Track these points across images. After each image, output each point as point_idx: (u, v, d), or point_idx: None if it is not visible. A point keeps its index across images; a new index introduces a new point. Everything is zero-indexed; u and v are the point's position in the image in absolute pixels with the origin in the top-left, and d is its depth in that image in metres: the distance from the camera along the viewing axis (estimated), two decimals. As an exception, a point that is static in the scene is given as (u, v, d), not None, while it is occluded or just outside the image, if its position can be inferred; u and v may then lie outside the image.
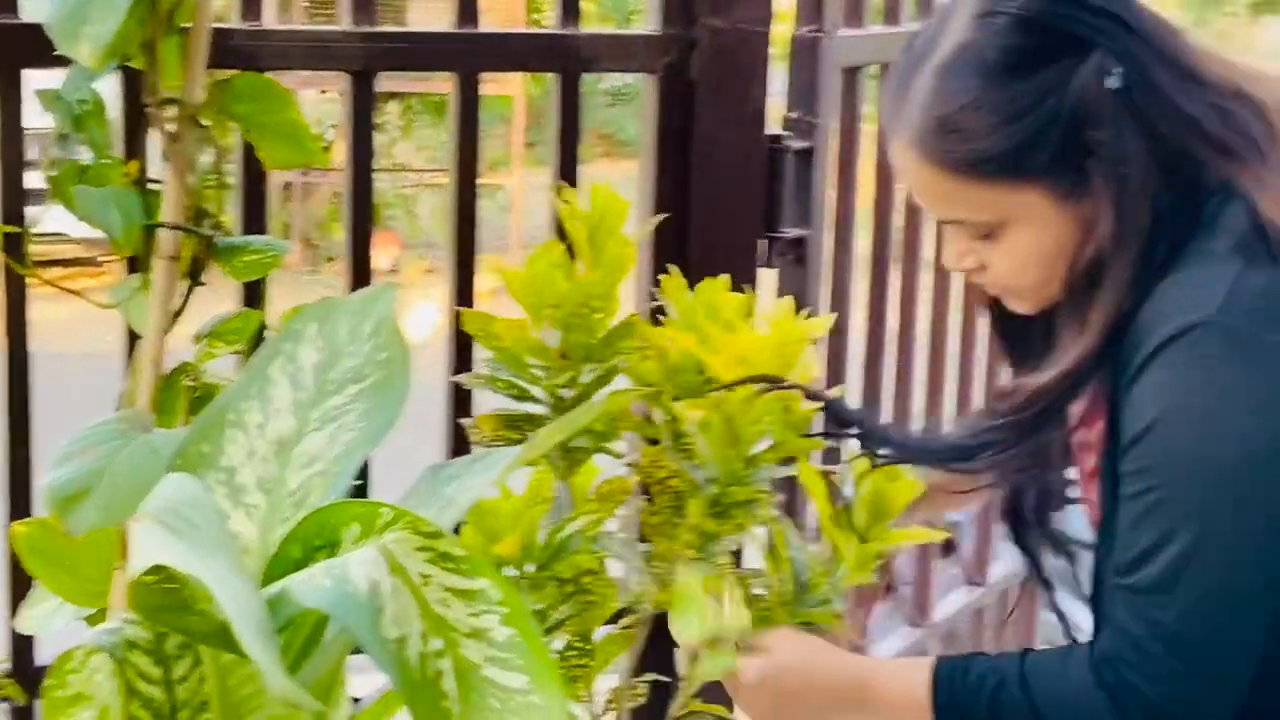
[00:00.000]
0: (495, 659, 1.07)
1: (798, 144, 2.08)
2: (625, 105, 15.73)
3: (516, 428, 1.70)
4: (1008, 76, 1.36)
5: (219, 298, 1.72)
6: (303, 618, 1.14)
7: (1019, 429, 1.45)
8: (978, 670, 1.47)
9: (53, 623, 1.49)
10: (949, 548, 2.66)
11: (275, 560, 1.13)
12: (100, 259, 8.24)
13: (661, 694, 2.09)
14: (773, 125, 2.06)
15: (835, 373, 2.38)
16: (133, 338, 1.67)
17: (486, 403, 1.79)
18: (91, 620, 1.51)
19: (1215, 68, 1.38)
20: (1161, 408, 1.31)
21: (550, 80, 2.00)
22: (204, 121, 1.44)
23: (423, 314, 7.74)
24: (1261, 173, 1.34)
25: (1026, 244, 1.40)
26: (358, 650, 1.22)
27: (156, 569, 1.00)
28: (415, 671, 1.05)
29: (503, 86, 10.80)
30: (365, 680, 1.71)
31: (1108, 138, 1.35)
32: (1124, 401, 1.36)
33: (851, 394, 2.48)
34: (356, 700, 1.46)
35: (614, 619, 1.82)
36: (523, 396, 1.71)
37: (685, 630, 1.63)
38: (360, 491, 1.75)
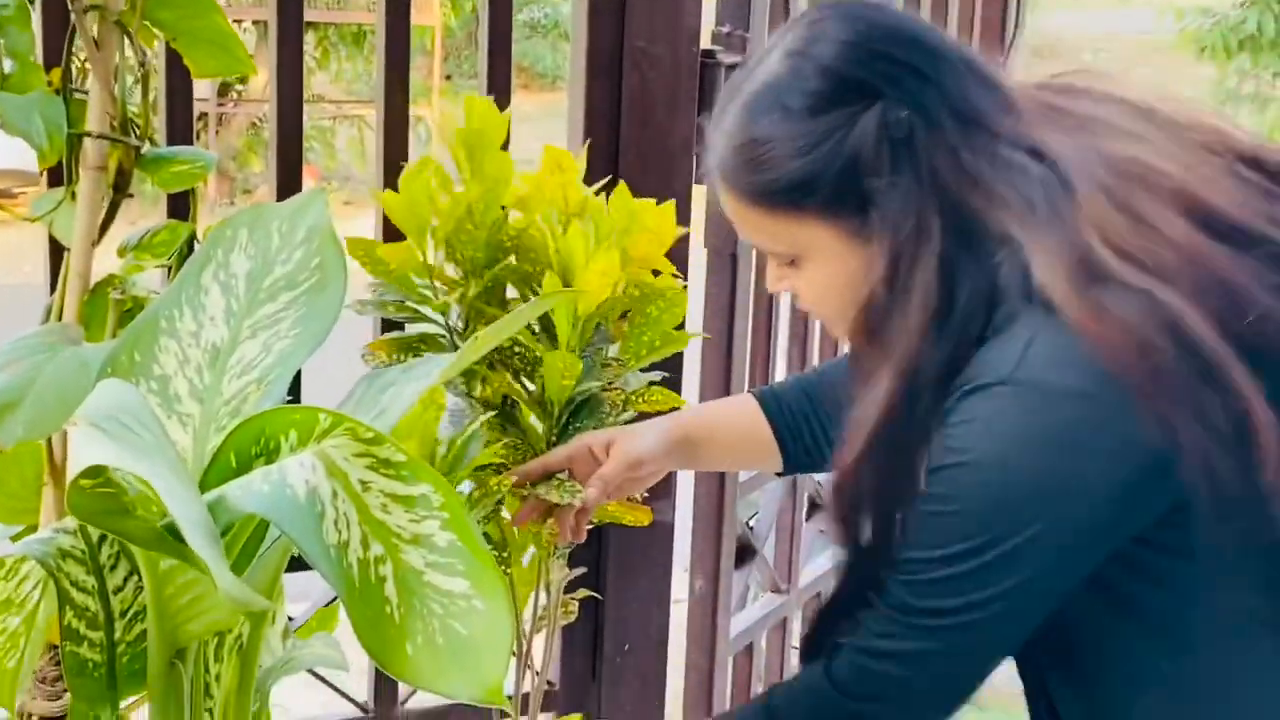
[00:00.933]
0: (437, 564, 1.06)
1: (729, 59, 2.07)
2: (543, 38, 15.63)
3: (414, 350, 1.68)
4: (803, 115, 1.42)
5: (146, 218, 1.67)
6: (241, 526, 1.13)
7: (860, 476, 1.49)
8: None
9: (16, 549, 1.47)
10: (814, 506, 2.61)
11: (212, 469, 1.11)
12: (16, 190, 8.09)
13: (596, 610, 2.10)
14: (704, 40, 2.05)
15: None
16: (56, 256, 1.63)
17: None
18: (18, 538, 1.48)
19: (1021, 125, 1.42)
20: (968, 448, 1.35)
21: (480, 4, 1.97)
22: (128, 27, 1.40)
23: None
24: (1038, 230, 1.37)
25: (822, 277, 1.46)
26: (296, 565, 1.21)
27: (94, 473, 0.98)
28: (356, 578, 1.04)
29: (422, 15, 10.67)
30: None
31: (884, 183, 1.40)
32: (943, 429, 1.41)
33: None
34: (290, 619, 1.46)
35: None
36: (415, 318, 1.70)
37: None
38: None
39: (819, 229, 1.44)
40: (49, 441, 1.44)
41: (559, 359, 1.61)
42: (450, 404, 1.70)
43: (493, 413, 1.73)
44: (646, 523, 1.82)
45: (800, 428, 1.73)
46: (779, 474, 1.86)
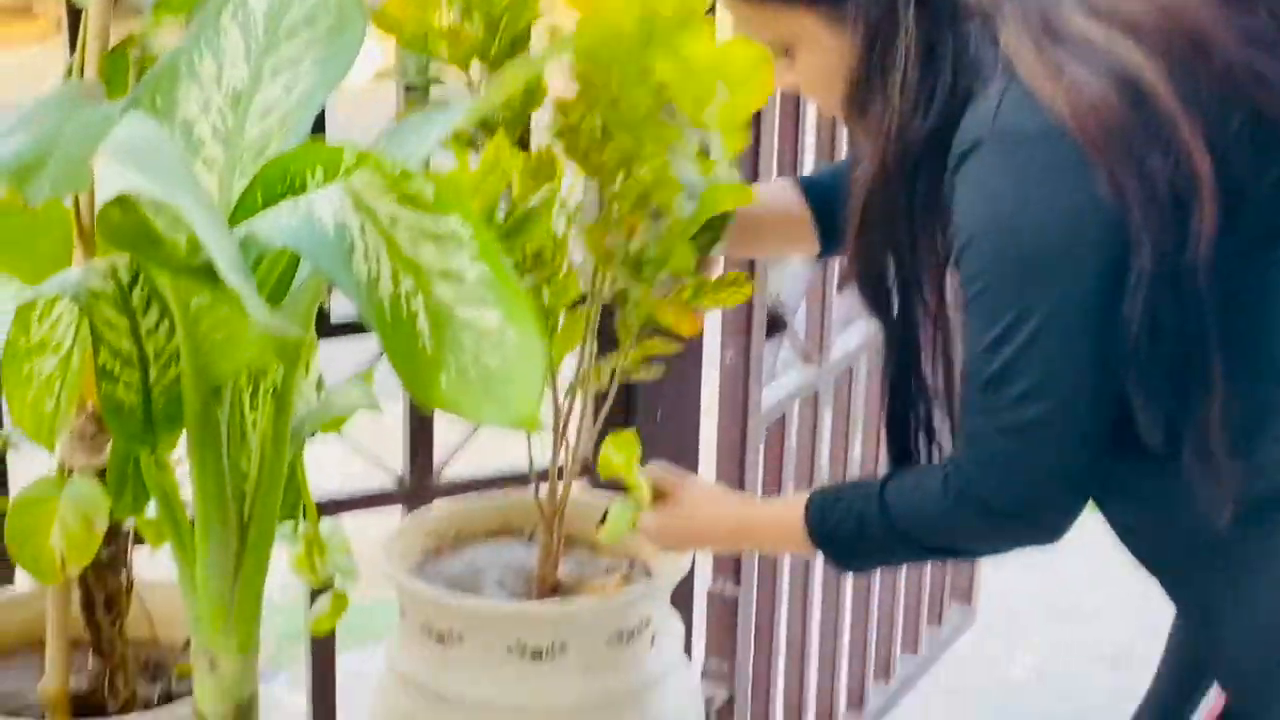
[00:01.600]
0: (468, 298, 1.06)
1: None
2: None
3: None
4: None
5: None
6: (270, 266, 1.13)
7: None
8: (843, 504, 1.57)
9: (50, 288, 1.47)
10: (845, 278, 2.59)
11: (239, 209, 1.11)
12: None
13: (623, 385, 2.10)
14: None
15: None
16: (75, 19, 1.61)
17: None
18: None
19: None
20: (971, 221, 1.39)
21: None
22: None
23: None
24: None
25: (812, 64, 1.51)
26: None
27: (124, 204, 0.98)
28: (388, 312, 1.04)
29: None
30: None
31: None
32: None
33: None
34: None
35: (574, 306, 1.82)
36: (436, 80, 1.69)
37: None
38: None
39: (803, 17, 1.49)
40: (76, 202, 1.44)
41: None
42: None
43: (547, 186, 1.71)
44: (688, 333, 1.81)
45: (837, 210, 1.71)
46: (818, 256, 1.87)
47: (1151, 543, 1.56)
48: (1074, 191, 1.33)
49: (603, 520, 1.75)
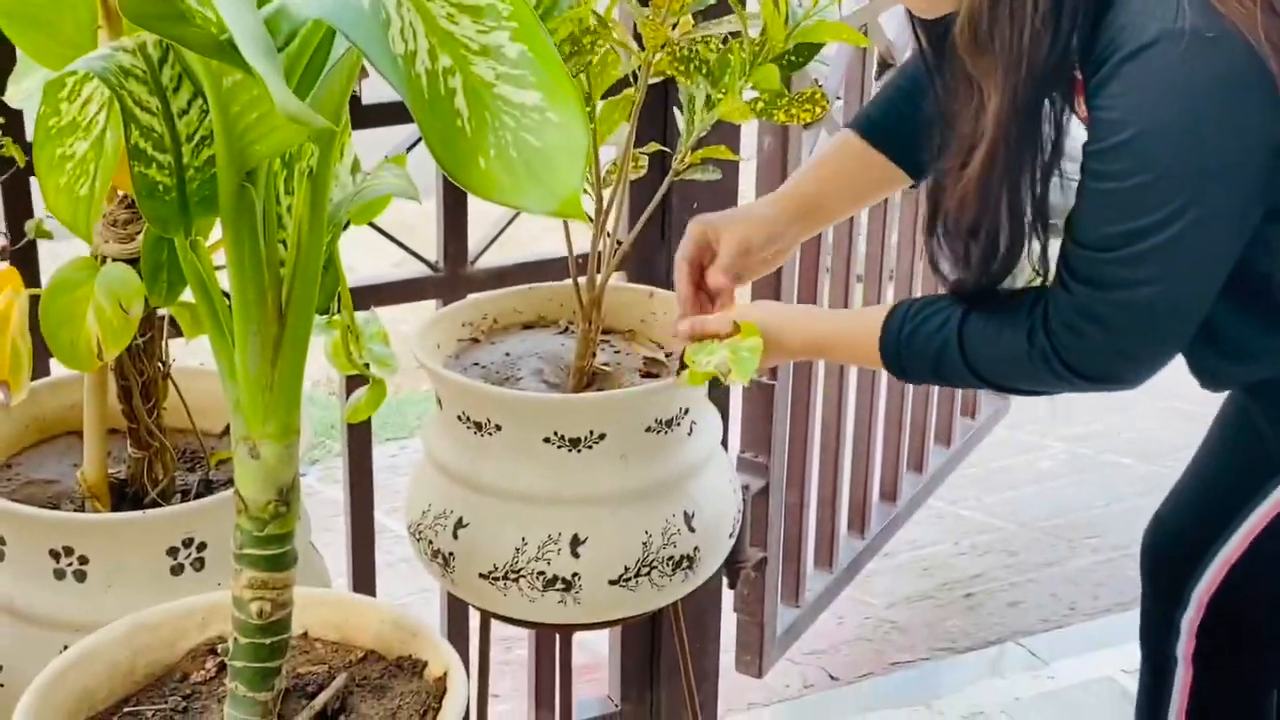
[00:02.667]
0: (507, 76, 1.03)
1: None
2: None
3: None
4: None
5: None
6: (304, 42, 1.09)
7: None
8: (924, 332, 1.55)
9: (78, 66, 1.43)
10: (883, 64, 2.51)
11: (269, -15, 1.06)
12: None
13: (662, 165, 2.07)
14: None
15: None
16: None
17: None
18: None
19: None
20: (1137, 122, 1.34)
21: None
22: None
23: None
24: None
25: None
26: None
27: (146, -24, 0.94)
28: (425, 89, 1.01)
29: None
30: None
31: None
32: (1095, 102, 1.39)
33: None
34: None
35: (616, 90, 1.77)
36: None
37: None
38: None
39: None
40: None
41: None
42: None
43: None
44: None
45: (910, 142, 1.69)
46: (912, 187, 1.85)
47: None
48: (1253, 103, 1.32)
49: (681, 367, 1.69)
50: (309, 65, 1.10)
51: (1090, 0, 1.36)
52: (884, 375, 2.75)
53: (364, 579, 2.08)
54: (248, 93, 1.06)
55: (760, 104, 1.71)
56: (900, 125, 1.72)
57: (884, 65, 2.51)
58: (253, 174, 1.12)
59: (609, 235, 1.78)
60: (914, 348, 1.56)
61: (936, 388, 2.96)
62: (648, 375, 1.82)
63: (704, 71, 1.68)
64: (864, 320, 1.64)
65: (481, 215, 1.96)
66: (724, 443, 2.23)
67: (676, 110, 1.73)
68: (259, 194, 1.12)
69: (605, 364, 1.83)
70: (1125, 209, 1.38)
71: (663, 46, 1.66)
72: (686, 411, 1.73)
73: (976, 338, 1.52)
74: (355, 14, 0.98)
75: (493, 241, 2.05)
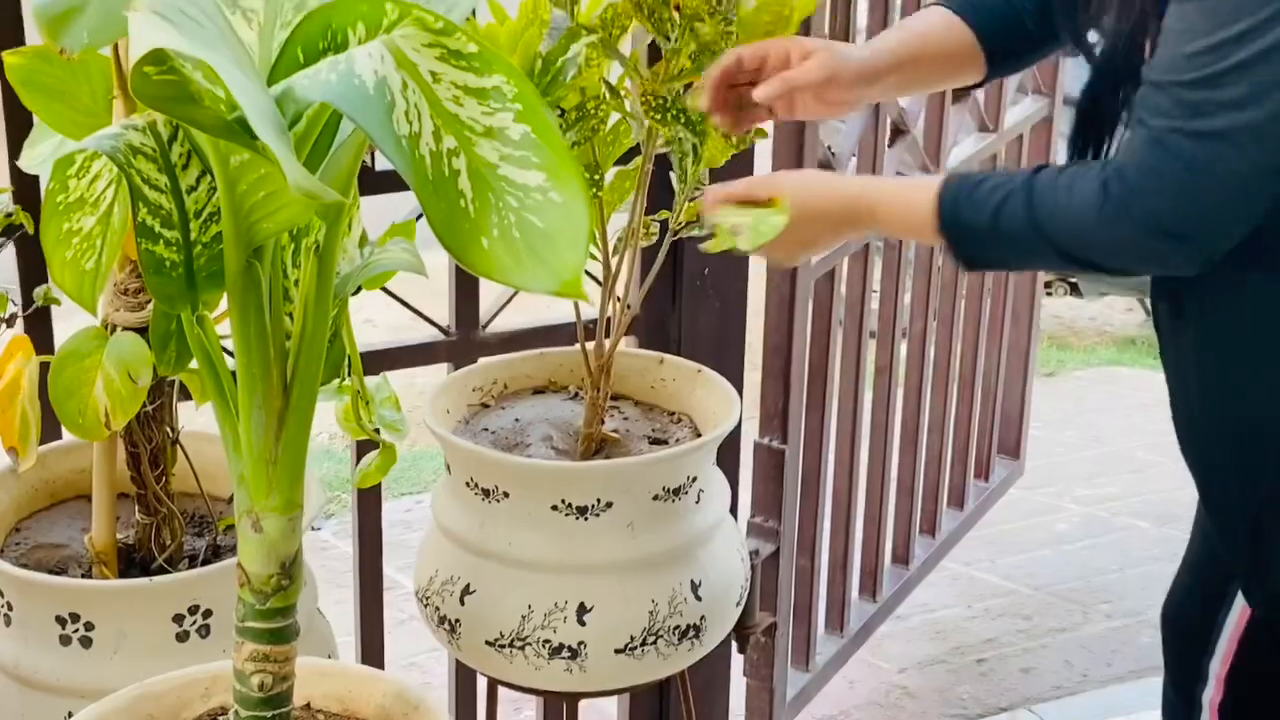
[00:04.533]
0: (511, 158, 1.03)
1: None
2: None
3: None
4: None
5: None
6: (311, 122, 1.10)
7: None
8: (987, 185, 1.44)
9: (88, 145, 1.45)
10: (961, 90, 2.56)
11: (279, 65, 1.07)
12: None
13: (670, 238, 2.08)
14: None
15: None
16: None
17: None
18: (92, 155, 1.46)
19: None
20: None
21: None
22: None
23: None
24: None
25: None
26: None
27: (158, 59, 0.95)
28: (429, 171, 1.02)
29: None
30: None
31: None
32: None
33: None
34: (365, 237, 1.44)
35: (626, 159, 1.79)
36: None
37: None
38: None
39: None
40: (116, 51, 1.41)
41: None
42: (555, 19, 1.66)
43: (595, 35, 1.68)
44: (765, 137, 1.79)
45: (1004, 32, 1.64)
46: (974, 86, 1.75)
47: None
48: None
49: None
50: (316, 143, 1.11)
51: None
52: (896, 440, 2.75)
53: (373, 641, 2.08)
54: (255, 171, 1.07)
55: (738, 140, 1.72)
56: (997, 7, 1.65)
57: (897, 132, 2.53)
58: (259, 250, 1.13)
59: (619, 301, 1.79)
60: (975, 199, 1.44)
61: (950, 447, 2.95)
62: (657, 442, 1.82)
63: (681, 120, 1.68)
64: (918, 180, 1.54)
65: (493, 280, 1.98)
66: (734, 508, 2.24)
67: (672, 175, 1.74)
68: (265, 270, 1.13)
69: (614, 431, 1.83)
70: (1209, 18, 1.28)
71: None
72: (694, 480, 1.74)
73: (1046, 188, 1.40)
74: (360, 97, 0.99)
75: (504, 306, 2.06)
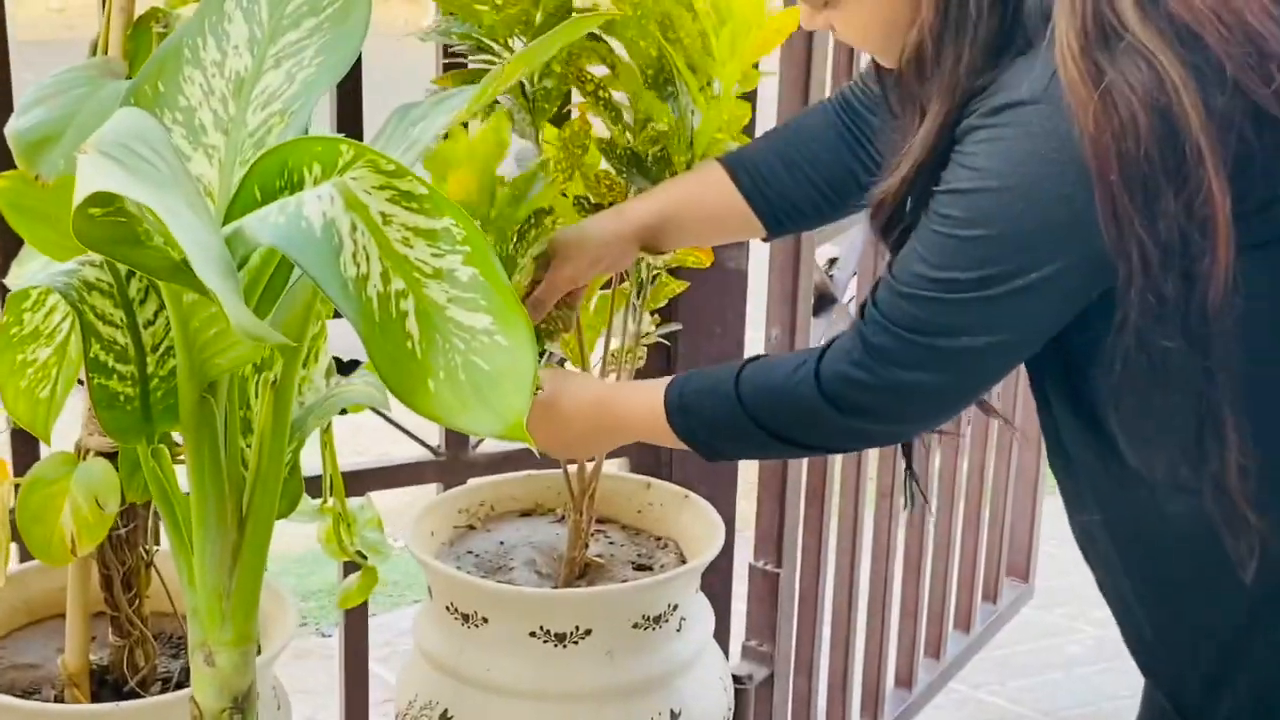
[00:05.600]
0: (459, 299, 1.04)
1: None
2: None
3: (477, 81, 1.66)
4: None
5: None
6: (265, 260, 1.11)
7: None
8: (708, 376, 1.49)
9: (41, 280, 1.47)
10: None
11: (236, 202, 1.09)
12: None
13: (663, 360, 2.08)
14: None
15: None
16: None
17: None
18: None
19: None
20: (993, 169, 1.28)
21: None
22: None
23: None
24: None
25: (861, 15, 1.42)
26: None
27: (104, 201, 0.96)
28: (376, 312, 1.02)
29: None
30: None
31: None
32: (959, 145, 1.33)
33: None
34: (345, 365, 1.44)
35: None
36: (480, 47, 1.67)
37: None
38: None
39: None
40: (96, 179, 1.43)
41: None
42: (516, 147, 1.67)
43: (557, 156, 1.70)
44: (708, 264, 1.79)
45: (776, 193, 1.67)
46: (765, 239, 1.78)
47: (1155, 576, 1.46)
48: (1080, 207, 1.25)
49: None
50: (271, 281, 1.12)
51: (1009, 52, 1.32)
52: (899, 562, 2.73)
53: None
54: (206, 309, 1.08)
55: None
56: (769, 169, 1.67)
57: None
58: (214, 385, 1.13)
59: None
60: (700, 384, 1.49)
61: (956, 567, 2.92)
62: (641, 568, 1.81)
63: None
64: (653, 381, 1.58)
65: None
66: (727, 631, 2.22)
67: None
68: (219, 404, 1.14)
69: (598, 555, 1.83)
70: (950, 256, 1.30)
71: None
72: (675, 608, 1.72)
73: (752, 370, 1.45)
74: (306, 240, 0.99)
75: (495, 426, 2.06)
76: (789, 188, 1.66)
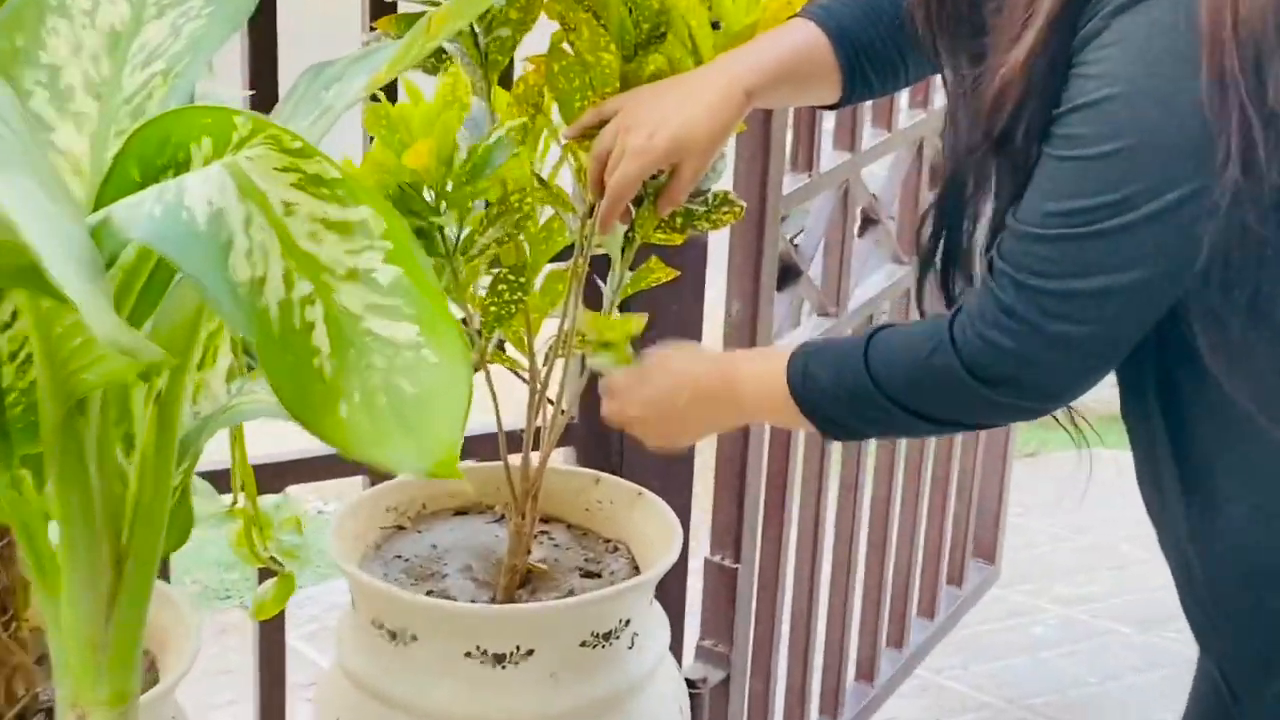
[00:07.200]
0: (379, 307, 0.86)
1: None
2: None
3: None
4: None
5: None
6: (146, 252, 0.92)
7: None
8: (834, 347, 1.39)
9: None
10: (867, 221, 2.33)
11: (110, 183, 0.89)
12: None
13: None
14: None
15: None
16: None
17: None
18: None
19: None
20: (1120, 74, 1.17)
21: None
22: None
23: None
24: None
25: None
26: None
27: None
28: (275, 323, 0.84)
29: None
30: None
31: None
32: (1077, 58, 1.21)
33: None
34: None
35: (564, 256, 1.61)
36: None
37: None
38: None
39: None
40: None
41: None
42: (472, 108, 1.49)
43: (521, 120, 1.51)
44: (679, 242, 1.61)
45: (864, 57, 1.50)
46: (827, 107, 1.59)
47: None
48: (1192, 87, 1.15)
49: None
50: (153, 277, 0.93)
51: None
52: (861, 548, 2.57)
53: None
54: (68, 315, 0.89)
55: (679, 220, 1.55)
56: (862, 32, 1.50)
57: (868, 221, 2.35)
58: (84, 402, 0.94)
59: (553, 405, 1.62)
60: (823, 356, 1.38)
61: (920, 552, 2.77)
62: (589, 575, 1.64)
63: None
64: (772, 350, 1.48)
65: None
66: (680, 630, 2.06)
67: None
68: (90, 423, 0.95)
69: (542, 561, 1.65)
70: (1079, 182, 1.20)
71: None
72: (627, 623, 1.55)
73: (883, 343, 1.34)
74: (187, 236, 0.81)
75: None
76: (875, 57, 1.49)
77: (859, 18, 1.50)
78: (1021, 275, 1.22)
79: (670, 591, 1.84)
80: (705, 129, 1.42)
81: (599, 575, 1.64)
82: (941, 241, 1.38)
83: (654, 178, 1.47)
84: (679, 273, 1.60)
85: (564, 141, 1.52)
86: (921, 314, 1.45)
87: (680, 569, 2.03)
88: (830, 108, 1.60)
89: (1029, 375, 1.26)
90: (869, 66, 1.50)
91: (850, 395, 1.35)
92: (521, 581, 1.62)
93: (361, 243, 0.86)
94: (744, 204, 1.58)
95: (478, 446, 1.80)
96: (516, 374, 1.61)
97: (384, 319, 0.86)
